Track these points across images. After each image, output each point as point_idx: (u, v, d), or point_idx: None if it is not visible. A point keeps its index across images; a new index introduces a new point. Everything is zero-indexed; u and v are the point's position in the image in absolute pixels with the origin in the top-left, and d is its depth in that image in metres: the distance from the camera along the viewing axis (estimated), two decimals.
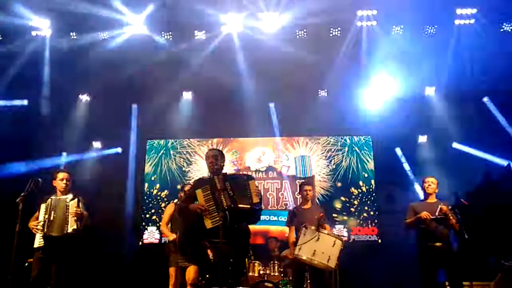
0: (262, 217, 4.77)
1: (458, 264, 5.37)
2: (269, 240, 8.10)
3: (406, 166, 9.49)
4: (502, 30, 8.08)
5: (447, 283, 5.69)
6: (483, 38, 7.94)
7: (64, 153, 9.50)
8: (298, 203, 7.78)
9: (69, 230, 5.05)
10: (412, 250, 5.98)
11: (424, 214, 5.41)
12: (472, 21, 7.99)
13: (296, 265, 5.72)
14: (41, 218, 5.11)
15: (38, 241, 5.04)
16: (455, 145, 9.26)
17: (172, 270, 5.96)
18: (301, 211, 6.11)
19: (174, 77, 8.95)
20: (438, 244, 5.40)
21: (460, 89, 8.85)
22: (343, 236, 8.69)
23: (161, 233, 9.01)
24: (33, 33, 8.29)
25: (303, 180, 8.93)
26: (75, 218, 5.09)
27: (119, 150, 9.83)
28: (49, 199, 5.18)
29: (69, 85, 9.07)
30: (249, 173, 9.38)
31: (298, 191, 8.73)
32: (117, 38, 8.36)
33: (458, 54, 8.32)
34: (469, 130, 8.96)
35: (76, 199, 5.19)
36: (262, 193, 4.95)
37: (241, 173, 8.55)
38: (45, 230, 5.03)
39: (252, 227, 4.65)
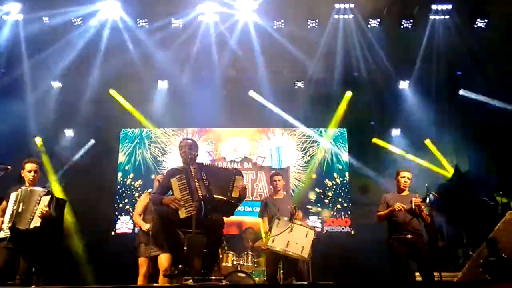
0: (237, 208, 4.73)
1: (429, 256, 5.47)
2: (247, 230, 8.07)
3: None
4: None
5: (417, 274, 5.78)
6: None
7: (40, 138, 9.25)
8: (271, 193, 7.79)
9: (31, 226, 4.81)
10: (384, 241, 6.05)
11: (398, 205, 5.46)
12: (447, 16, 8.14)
13: (270, 255, 5.71)
14: (9, 208, 4.90)
15: (4, 232, 4.86)
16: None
17: (142, 261, 5.88)
18: (273, 202, 6.13)
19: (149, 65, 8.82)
20: (409, 236, 5.46)
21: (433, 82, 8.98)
22: (317, 227, 8.76)
23: (134, 223, 8.88)
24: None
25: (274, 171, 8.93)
26: (40, 216, 4.83)
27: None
28: (20, 189, 4.95)
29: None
30: (225, 163, 9.34)
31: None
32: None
33: (432, 48, 8.43)
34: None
35: (49, 196, 4.94)
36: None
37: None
38: (12, 221, 4.81)
39: (226, 217, 4.63)
